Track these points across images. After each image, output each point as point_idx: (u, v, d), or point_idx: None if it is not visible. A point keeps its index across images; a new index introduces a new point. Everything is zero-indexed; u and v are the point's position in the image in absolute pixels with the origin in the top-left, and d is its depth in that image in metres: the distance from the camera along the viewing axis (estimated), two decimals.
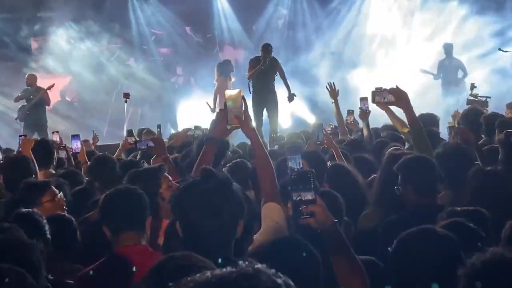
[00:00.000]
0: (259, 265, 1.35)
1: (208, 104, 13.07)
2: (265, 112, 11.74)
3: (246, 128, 3.40)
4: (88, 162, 6.83)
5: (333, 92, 8.06)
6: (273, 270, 1.35)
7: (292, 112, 15.31)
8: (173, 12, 16.88)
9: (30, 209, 3.49)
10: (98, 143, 10.00)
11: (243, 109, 3.34)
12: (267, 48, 11.79)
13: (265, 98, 11.69)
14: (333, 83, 8.18)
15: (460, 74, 14.37)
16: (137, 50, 16.95)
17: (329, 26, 16.81)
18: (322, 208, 2.64)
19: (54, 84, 13.77)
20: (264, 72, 11.58)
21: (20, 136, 7.92)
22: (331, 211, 2.72)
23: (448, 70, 14.43)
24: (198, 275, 1.35)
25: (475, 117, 6.78)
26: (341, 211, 3.55)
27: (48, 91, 13.45)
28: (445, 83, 14.40)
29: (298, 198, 2.60)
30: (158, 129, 9.70)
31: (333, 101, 8.05)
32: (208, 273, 1.35)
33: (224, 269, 1.34)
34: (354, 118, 8.38)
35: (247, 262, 1.35)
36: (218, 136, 3.54)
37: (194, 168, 3.46)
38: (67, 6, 15.94)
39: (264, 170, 3.42)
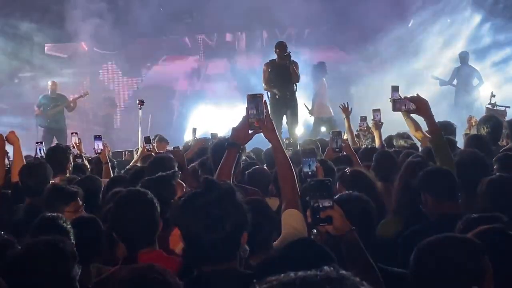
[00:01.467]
0: (344, 271, 1.34)
1: (305, 106, 12.74)
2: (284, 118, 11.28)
3: (268, 132, 3.37)
4: (109, 163, 6.87)
5: (346, 111, 8.59)
6: (357, 278, 1.33)
7: (305, 120, 15.29)
8: (186, 18, 16.93)
9: (55, 214, 3.48)
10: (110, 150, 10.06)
11: (265, 113, 3.32)
12: (281, 44, 11.24)
13: (283, 103, 11.17)
14: (347, 103, 8.70)
15: (475, 82, 14.36)
16: (150, 56, 16.96)
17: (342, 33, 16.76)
18: (340, 214, 2.65)
19: (88, 92, 14.07)
20: (281, 75, 11.06)
21: (37, 143, 7.95)
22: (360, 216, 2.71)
23: (463, 78, 14.41)
24: (282, 275, 1.34)
25: (496, 122, 6.69)
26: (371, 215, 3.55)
27: (82, 98, 13.91)
28: (459, 91, 14.38)
29: (316, 205, 2.64)
30: (193, 134, 9.57)
31: (344, 117, 8.53)
32: (292, 274, 1.33)
33: (308, 271, 1.33)
34: (367, 124, 8.60)
35: (331, 268, 1.34)
36: (240, 141, 3.50)
37: (216, 175, 3.42)
38: (81, 14, 16.03)
39: (285, 176, 3.39)
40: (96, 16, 15.52)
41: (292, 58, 11.30)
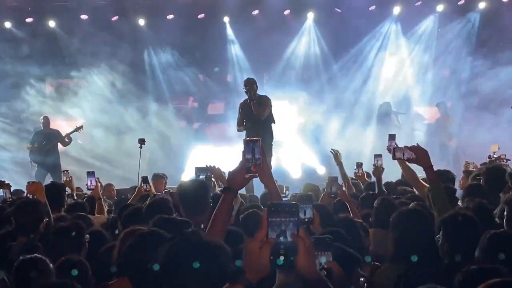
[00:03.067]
0: None
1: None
2: None
3: (265, 177, 3.35)
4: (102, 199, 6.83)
5: (336, 157, 8.40)
6: None
7: (303, 163, 15.31)
8: (187, 59, 17.08)
9: (35, 255, 3.47)
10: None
11: (262, 157, 3.30)
12: (248, 81, 10.80)
13: None
14: (337, 150, 8.49)
15: (455, 128, 14.80)
16: (151, 96, 17.03)
17: (342, 78, 16.89)
18: (340, 271, 2.72)
19: (82, 126, 14.03)
20: (250, 113, 10.64)
21: (29, 183, 7.92)
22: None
23: (442, 127, 14.94)
24: None
25: (495, 174, 6.56)
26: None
27: (77, 132, 13.83)
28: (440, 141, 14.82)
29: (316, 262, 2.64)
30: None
31: (337, 163, 8.34)
32: None
33: None
34: (363, 170, 8.60)
35: None
36: (236, 186, 3.47)
37: (211, 220, 3.36)
38: (83, 51, 16.22)
39: None
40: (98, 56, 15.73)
41: (263, 94, 10.94)
